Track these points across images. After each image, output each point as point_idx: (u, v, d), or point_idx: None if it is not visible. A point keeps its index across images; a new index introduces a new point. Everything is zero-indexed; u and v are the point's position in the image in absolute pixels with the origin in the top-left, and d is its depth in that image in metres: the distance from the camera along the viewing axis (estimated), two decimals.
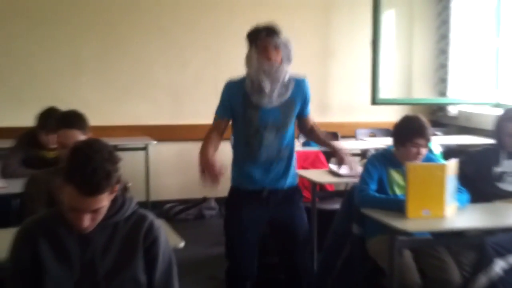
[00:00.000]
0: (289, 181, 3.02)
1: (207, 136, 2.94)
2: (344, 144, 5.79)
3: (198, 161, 2.82)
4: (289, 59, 2.90)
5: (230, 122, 3.02)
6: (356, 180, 3.24)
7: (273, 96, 2.88)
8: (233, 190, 3.07)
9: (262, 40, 2.86)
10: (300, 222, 3.04)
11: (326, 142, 3.16)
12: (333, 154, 3.19)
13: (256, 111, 2.90)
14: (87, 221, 1.83)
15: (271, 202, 2.98)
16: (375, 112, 6.34)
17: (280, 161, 2.97)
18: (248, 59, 2.92)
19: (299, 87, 2.97)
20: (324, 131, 3.23)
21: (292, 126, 3.01)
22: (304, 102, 3.02)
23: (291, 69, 2.95)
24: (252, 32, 2.93)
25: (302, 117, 3.07)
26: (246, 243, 3.00)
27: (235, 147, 3.07)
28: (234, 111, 2.96)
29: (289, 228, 3.02)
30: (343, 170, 3.43)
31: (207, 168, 2.78)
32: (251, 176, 2.96)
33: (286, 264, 3.10)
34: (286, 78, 2.90)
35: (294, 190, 3.07)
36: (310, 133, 3.18)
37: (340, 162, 3.10)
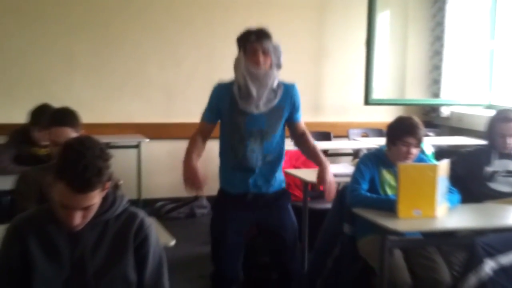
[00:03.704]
0: (275, 186, 2.97)
1: (192, 141, 2.91)
2: (336, 144, 5.94)
3: (182, 169, 2.82)
4: (278, 65, 2.83)
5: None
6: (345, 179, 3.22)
7: (261, 102, 2.80)
8: (220, 192, 3.04)
9: (252, 43, 2.79)
10: (288, 224, 3.00)
11: (315, 154, 2.94)
12: (318, 172, 2.90)
13: (243, 117, 2.83)
14: (78, 219, 1.82)
15: (255, 205, 2.93)
16: (368, 112, 6.36)
17: (265, 167, 2.91)
18: (237, 63, 2.85)
19: (287, 93, 2.89)
20: (316, 145, 3.01)
21: (279, 133, 2.92)
22: (293, 108, 2.93)
23: (284, 71, 2.88)
24: (242, 35, 2.86)
25: (292, 123, 2.99)
26: (228, 245, 2.96)
27: (221, 152, 3.01)
28: (221, 114, 2.91)
29: (277, 231, 2.98)
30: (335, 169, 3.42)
31: (190, 176, 2.79)
32: (234, 182, 2.92)
33: (277, 264, 3.09)
34: (275, 84, 2.84)
35: (281, 194, 3.01)
36: (300, 138, 3.02)
37: (320, 182, 2.88)
